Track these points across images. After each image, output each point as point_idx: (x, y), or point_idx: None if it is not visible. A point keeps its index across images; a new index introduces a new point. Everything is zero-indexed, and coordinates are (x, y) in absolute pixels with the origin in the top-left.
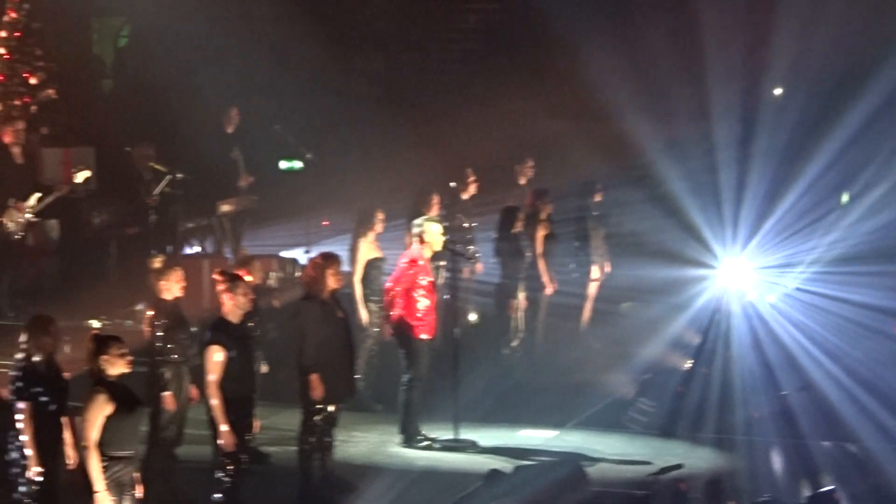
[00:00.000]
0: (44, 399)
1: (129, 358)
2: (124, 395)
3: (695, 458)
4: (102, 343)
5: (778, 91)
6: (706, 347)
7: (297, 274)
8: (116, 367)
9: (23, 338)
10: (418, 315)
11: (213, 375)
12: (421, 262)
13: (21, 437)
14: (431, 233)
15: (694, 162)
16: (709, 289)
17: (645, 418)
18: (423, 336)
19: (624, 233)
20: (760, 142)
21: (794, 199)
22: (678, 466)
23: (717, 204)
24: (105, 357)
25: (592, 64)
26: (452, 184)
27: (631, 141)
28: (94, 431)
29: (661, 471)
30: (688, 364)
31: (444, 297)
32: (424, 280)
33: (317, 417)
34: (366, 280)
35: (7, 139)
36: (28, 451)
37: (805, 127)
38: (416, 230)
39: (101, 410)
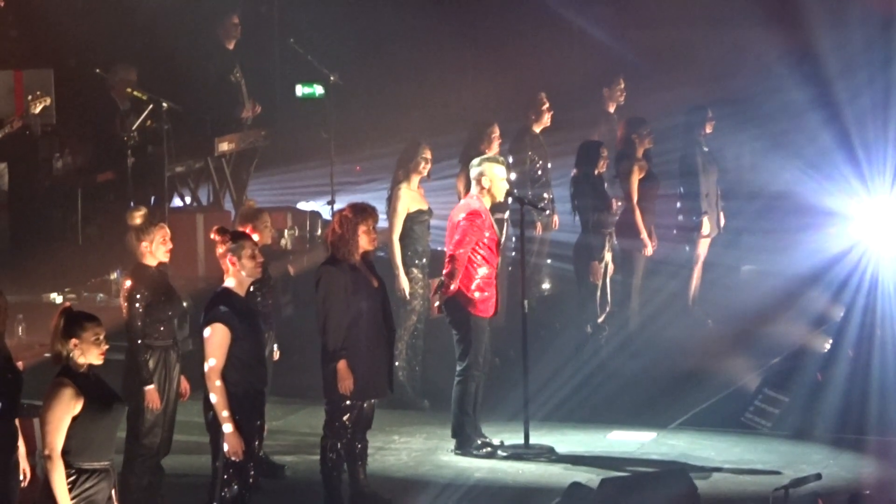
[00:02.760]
0: None
1: (106, 346)
2: (97, 390)
3: (836, 467)
4: (75, 321)
5: None
6: (851, 322)
7: (319, 232)
8: (88, 356)
9: None
10: (476, 284)
11: (213, 363)
12: (484, 215)
13: None
14: (493, 176)
15: (830, 77)
16: (850, 242)
17: (772, 415)
18: (483, 313)
19: (742, 172)
20: None
21: None
22: (815, 477)
23: (861, 132)
24: (76, 341)
25: None
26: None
27: (749, 52)
28: (57, 436)
29: (792, 483)
30: (827, 344)
31: (510, 259)
32: (490, 239)
33: (345, 417)
34: (407, 239)
35: None
36: None
37: None
38: (472, 173)
39: (66, 409)
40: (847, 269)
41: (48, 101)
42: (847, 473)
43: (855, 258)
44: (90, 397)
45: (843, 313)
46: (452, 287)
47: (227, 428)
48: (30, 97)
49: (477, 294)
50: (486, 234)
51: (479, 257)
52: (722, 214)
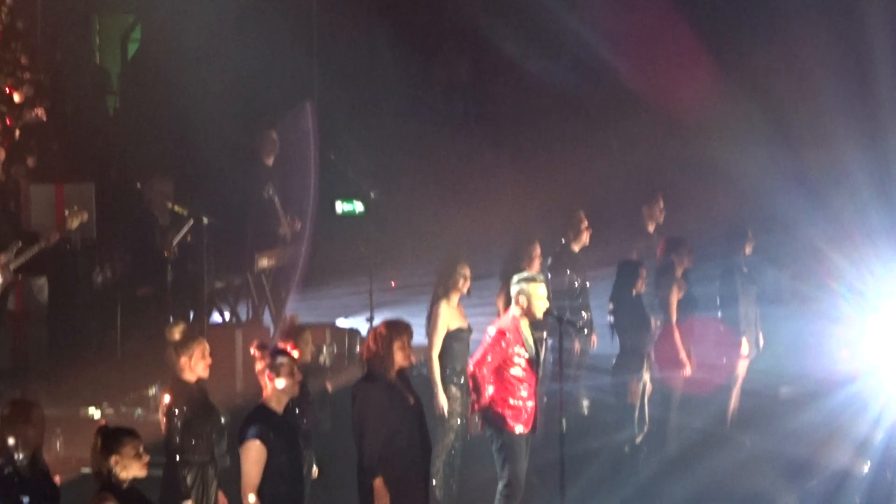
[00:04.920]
0: None
1: (147, 457)
2: None
3: None
4: (113, 438)
5: None
6: (891, 445)
7: (358, 348)
8: (130, 470)
9: None
10: (513, 402)
11: (251, 480)
12: (510, 334)
13: None
14: (532, 294)
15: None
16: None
17: None
18: (521, 429)
19: (781, 292)
20: None
21: None
22: None
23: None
24: (117, 457)
25: (738, 70)
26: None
27: (789, 170)
28: None
29: None
30: (866, 467)
31: (548, 378)
32: (520, 357)
33: None
34: (446, 356)
35: None
36: None
37: None
38: (516, 290)
39: None
40: (885, 390)
41: (86, 216)
42: None
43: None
44: None
45: (883, 436)
46: (481, 401)
47: None
48: (68, 212)
49: (512, 410)
50: (517, 351)
51: (512, 375)
52: (761, 335)
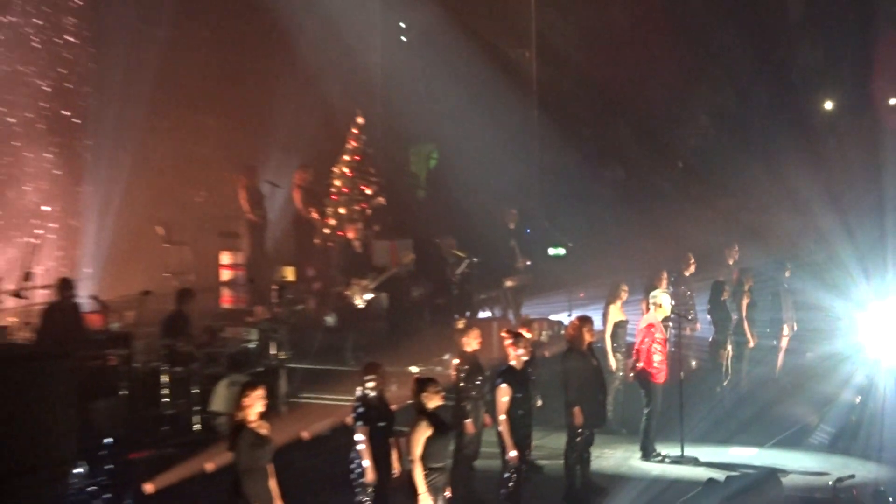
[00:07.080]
0: (376, 424)
1: (443, 394)
2: (439, 422)
3: (865, 472)
4: (423, 383)
5: None
6: (873, 384)
7: (562, 332)
8: (433, 401)
9: (361, 379)
10: (655, 365)
11: (502, 408)
12: (655, 325)
13: (359, 452)
14: (663, 301)
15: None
16: (870, 336)
17: (826, 440)
18: (659, 380)
19: (808, 299)
20: None
21: None
22: (852, 477)
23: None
24: (425, 394)
25: (791, 170)
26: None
27: (815, 228)
28: (418, 449)
29: (838, 480)
30: (858, 398)
31: (672, 349)
32: (660, 337)
33: (578, 439)
34: (614, 336)
35: (351, 235)
36: (365, 463)
37: None
38: (652, 300)
39: (423, 433)
40: (868, 352)
41: (412, 256)
42: (872, 475)
43: (872, 346)
44: (436, 426)
45: (867, 378)
46: (638, 366)
47: (510, 445)
48: (402, 255)
49: (654, 370)
50: (658, 335)
51: (656, 348)
52: (795, 323)
